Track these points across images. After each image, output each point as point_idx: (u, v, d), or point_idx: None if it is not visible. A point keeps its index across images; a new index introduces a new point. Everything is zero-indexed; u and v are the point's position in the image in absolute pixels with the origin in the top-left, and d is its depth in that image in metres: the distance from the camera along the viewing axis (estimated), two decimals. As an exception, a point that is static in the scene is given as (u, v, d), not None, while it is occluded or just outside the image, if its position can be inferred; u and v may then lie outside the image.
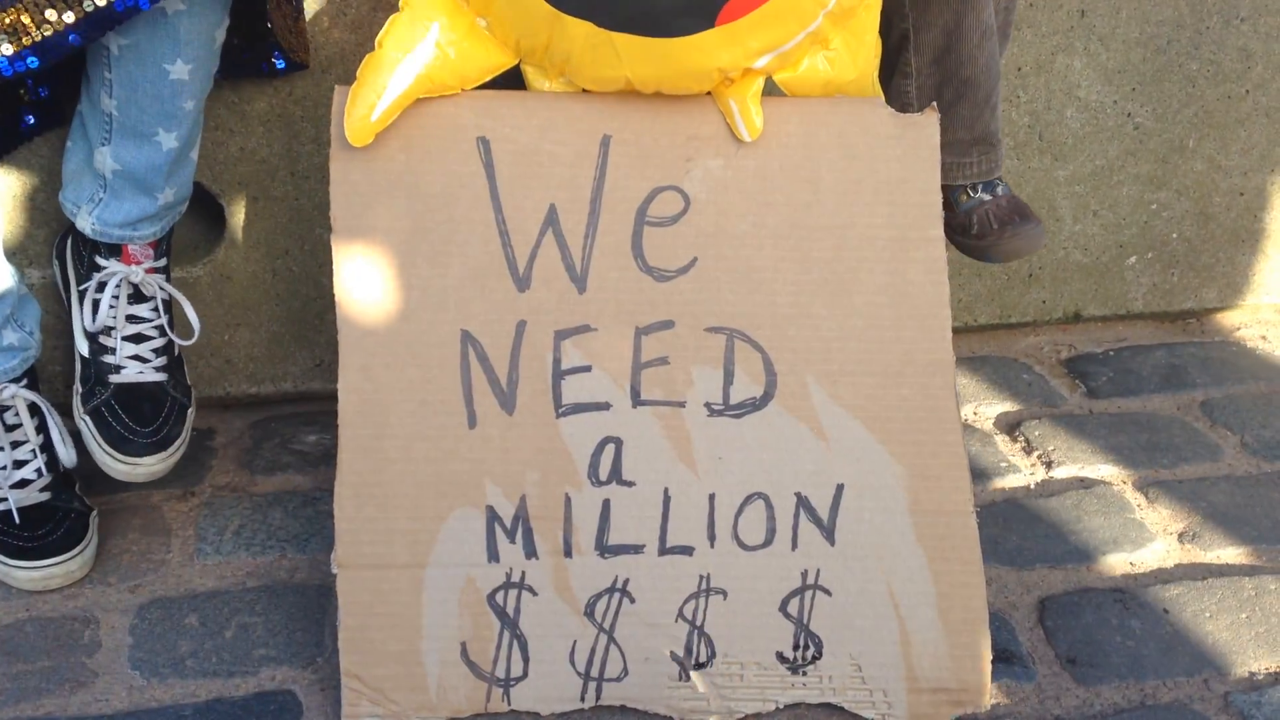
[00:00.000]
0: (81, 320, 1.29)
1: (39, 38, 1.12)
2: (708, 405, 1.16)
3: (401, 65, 1.15)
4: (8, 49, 1.12)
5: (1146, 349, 1.71)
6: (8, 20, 1.12)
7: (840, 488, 1.14)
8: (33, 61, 1.13)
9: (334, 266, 1.16)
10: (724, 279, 1.18)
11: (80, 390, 1.29)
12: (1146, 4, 1.58)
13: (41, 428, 1.28)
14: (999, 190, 1.36)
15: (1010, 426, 1.55)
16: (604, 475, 1.14)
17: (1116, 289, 1.73)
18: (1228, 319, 1.78)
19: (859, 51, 1.21)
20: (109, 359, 1.27)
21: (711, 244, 1.18)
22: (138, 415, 1.26)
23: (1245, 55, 1.63)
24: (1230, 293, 1.77)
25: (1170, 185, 1.69)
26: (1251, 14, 1.61)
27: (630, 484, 1.14)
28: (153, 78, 1.18)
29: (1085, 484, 1.44)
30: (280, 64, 1.36)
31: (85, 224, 1.26)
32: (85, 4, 1.11)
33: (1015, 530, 1.37)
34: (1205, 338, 1.74)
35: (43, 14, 1.12)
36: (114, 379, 1.27)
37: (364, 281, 1.16)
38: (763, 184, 1.19)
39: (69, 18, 1.12)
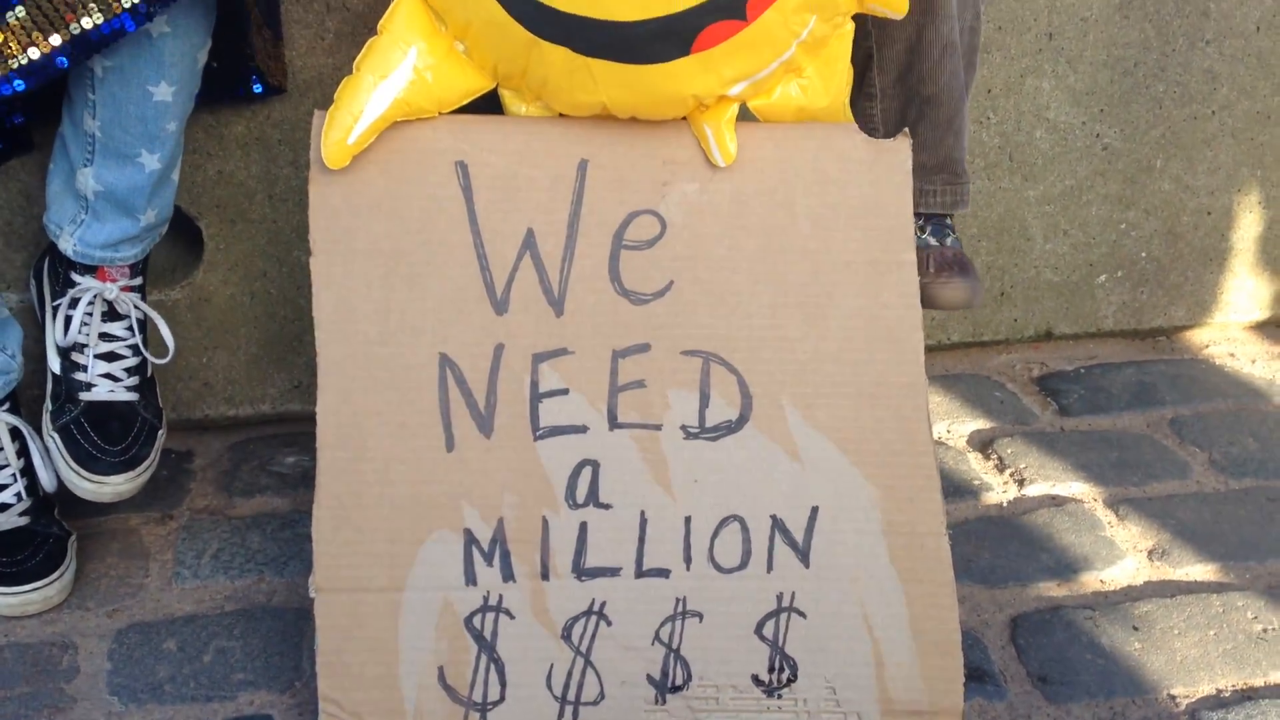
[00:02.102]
0: (54, 336, 1.29)
1: (25, 61, 1.13)
2: (684, 428, 1.17)
3: (378, 89, 1.16)
4: None
5: (1117, 367, 1.73)
6: None
7: (815, 510, 1.15)
8: (19, 85, 1.13)
9: (313, 290, 1.16)
10: (700, 302, 1.19)
11: (50, 408, 1.29)
12: (1113, 27, 1.61)
13: (22, 451, 1.28)
14: (948, 240, 1.36)
15: (983, 444, 1.57)
16: (581, 498, 1.15)
17: (1087, 307, 1.75)
18: (1197, 336, 1.81)
19: (831, 80, 1.22)
20: (80, 376, 1.27)
21: (687, 268, 1.20)
22: (106, 434, 1.26)
23: (1211, 77, 1.67)
24: (1199, 311, 1.80)
25: (1139, 205, 1.72)
26: (1216, 37, 1.65)
27: (607, 506, 1.15)
28: (137, 99, 1.19)
29: (1057, 502, 1.46)
30: (258, 88, 1.37)
31: (67, 245, 1.26)
32: (71, 27, 1.12)
33: (988, 548, 1.39)
34: (1175, 355, 1.77)
35: (30, 37, 1.12)
36: (84, 396, 1.27)
37: (343, 305, 1.16)
38: (738, 208, 1.21)
39: (55, 40, 1.12)
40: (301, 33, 1.40)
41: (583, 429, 1.16)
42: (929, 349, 1.69)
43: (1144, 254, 1.74)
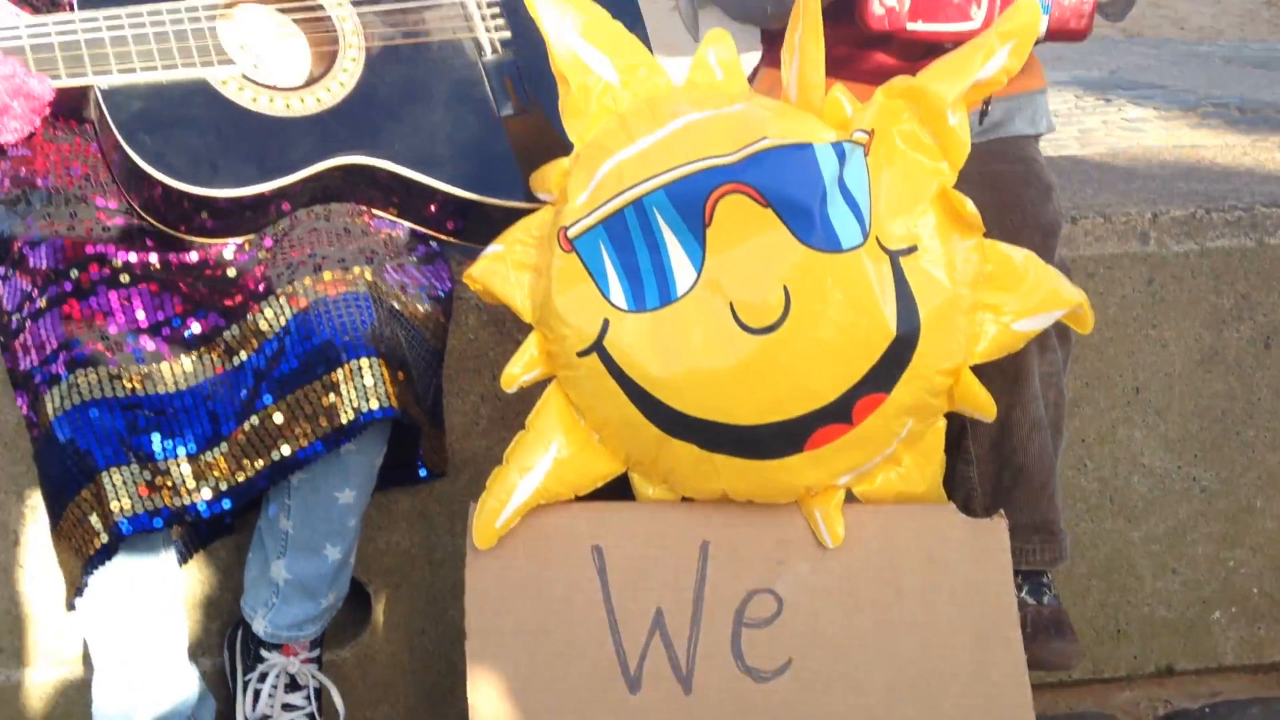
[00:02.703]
0: (244, 709, 1.44)
1: (233, 484, 1.33)
2: (808, 809, 1.24)
3: (523, 481, 1.33)
4: (207, 494, 1.33)
5: (1242, 705, 1.72)
6: (205, 469, 1.32)
7: None
8: (227, 503, 1.33)
9: (467, 671, 1.30)
10: (819, 680, 1.28)
11: None
12: (1198, 380, 1.72)
13: (206, 812, 1.42)
14: (1045, 599, 1.41)
15: (1113, 797, 1.57)
16: None
17: (1205, 643, 1.77)
18: (1323, 671, 1.79)
19: (927, 468, 1.35)
20: None
21: (805, 645, 1.30)
22: None
23: (1299, 421, 1.74)
24: (1321, 645, 1.79)
25: (1244, 543, 1.76)
26: (1299, 385, 1.74)
27: None
28: (325, 504, 1.37)
29: None
30: (423, 473, 1.56)
31: (260, 627, 1.43)
32: (273, 454, 1.31)
33: None
34: (1302, 691, 1.76)
35: (238, 462, 1.32)
36: None
37: (493, 687, 1.30)
38: (848, 587, 1.31)
39: (259, 464, 1.31)
40: (459, 419, 1.61)
41: (713, 809, 1.24)
42: (1050, 687, 1.72)
43: (1256, 590, 1.77)
